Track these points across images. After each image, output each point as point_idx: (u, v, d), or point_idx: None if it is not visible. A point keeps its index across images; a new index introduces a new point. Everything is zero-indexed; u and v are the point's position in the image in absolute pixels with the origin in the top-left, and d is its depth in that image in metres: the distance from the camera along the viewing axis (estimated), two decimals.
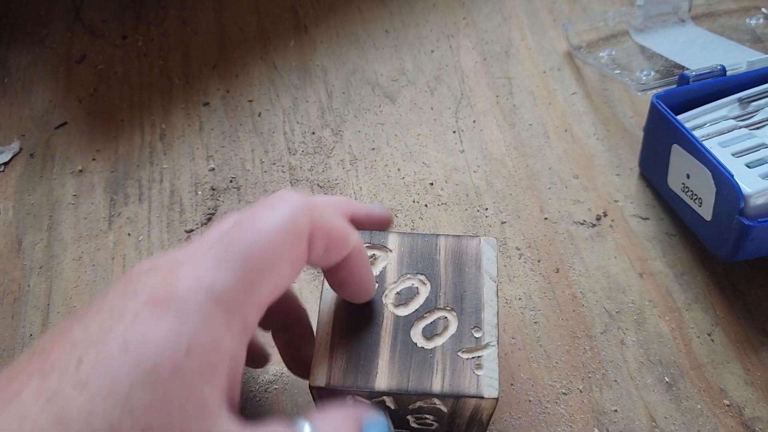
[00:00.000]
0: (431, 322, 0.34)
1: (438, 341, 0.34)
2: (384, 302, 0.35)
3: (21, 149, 0.55)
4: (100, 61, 0.60)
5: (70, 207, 0.51)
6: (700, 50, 0.56)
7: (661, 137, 0.47)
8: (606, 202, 0.50)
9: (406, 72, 0.58)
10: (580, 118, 0.55)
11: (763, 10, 0.60)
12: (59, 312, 0.47)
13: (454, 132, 0.54)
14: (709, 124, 0.47)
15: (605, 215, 0.50)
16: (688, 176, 0.45)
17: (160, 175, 0.53)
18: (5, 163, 0.54)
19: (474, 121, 0.55)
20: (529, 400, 0.42)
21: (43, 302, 0.47)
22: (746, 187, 0.41)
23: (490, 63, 0.59)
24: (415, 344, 0.33)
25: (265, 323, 0.37)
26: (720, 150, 0.45)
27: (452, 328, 0.34)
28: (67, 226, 0.51)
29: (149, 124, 0.56)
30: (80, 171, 0.53)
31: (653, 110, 0.48)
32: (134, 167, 0.53)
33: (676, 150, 0.46)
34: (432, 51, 0.60)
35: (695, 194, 0.45)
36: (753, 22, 0.59)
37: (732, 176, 0.41)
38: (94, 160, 0.54)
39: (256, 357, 0.39)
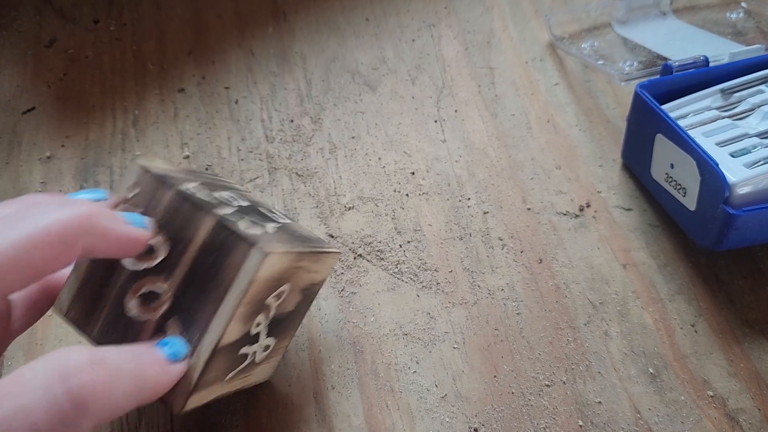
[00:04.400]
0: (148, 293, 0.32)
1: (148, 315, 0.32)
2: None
3: None
4: (70, 45, 0.58)
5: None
6: (682, 42, 0.55)
7: (645, 127, 0.47)
8: (589, 193, 0.50)
9: (386, 60, 0.57)
10: (562, 109, 0.54)
11: (743, 4, 0.60)
12: None
13: (435, 121, 0.54)
14: (693, 114, 0.47)
15: (588, 206, 0.49)
16: (672, 166, 0.45)
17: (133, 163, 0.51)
18: None
19: (456, 111, 0.54)
20: (512, 392, 0.41)
21: None
22: (731, 176, 0.40)
23: (472, 53, 0.58)
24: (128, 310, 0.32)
25: None
26: (704, 140, 0.44)
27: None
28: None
29: (122, 110, 0.54)
30: (48, 157, 0.51)
31: (637, 100, 0.47)
32: (105, 154, 0.52)
33: (660, 140, 0.45)
34: (413, 40, 0.59)
35: (679, 184, 0.45)
36: (733, 16, 0.59)
37: (717, 165, 0.41)
38: (63, 146, 0.52)
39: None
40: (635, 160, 0.49)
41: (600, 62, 0.55)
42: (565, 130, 0.53)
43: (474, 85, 0.56)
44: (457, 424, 0.40)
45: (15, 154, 0.52)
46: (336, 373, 0.42)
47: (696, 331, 0.43)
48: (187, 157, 0.51)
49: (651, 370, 0.42)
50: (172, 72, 0.56)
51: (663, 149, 0.45)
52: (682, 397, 0.41)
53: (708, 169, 0.41)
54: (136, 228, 0.31)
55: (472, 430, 0.40)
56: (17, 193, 0.50)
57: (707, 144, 0.44)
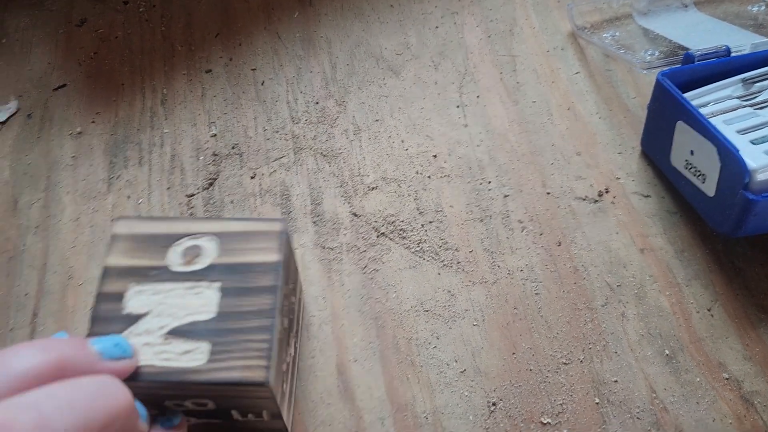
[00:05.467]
0: None
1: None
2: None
3: (18, 109, 0.54)
4: (100, 25, 0.60)
5: (68, 168, 0.51)
6: (703, 33, 0.56)
7: (666, 114, 0.47)
8: (608, 179, 0.50)
9: (410, 46, 0.58)
10: (582, 97, 0.55)
11: None
12: (56, 272, 0.46)
13: (457, 106, 0.54)
14: (714, 103, 0.47)
15: (607, 192, 0.50)
16: (691, 153, 0.46)
17: (161, 140, 0.52)
18: (2, 123, 0.53)
19: (478, 97, 0.55)
20: (530, 369, 0.42)
21: (40, 262, 0.46)
22: (751, 162, 0.41)
23: (495, 41, 0.59)
24: None
25: None
26: (725, 127, 0.45)
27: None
28: (65, 187, 0.50)
29: (150, 89, 0.55)
30: (79, 133, 0.53)
31: (658, 87, 0.48)
32: (134, 131, 0.53)
33: (681, 127, 0.46)
34: (436, 27, 0.60)
35: (699, 171, 0.45)
36: (755, 9, 0.60)
37: (737, 151, 0.41)
38: (93, 122, 0.53)
39: None
40: (655, 147, 0.50)
41: (621, 51, 0.56)
42: (585, 117, 0.54)
43: (496, 72, 0.57)
44: (476, 398, 0.41)
45: (46, 129, 0.53)
46: (358, 347, 0.43)
47: (712, 316, 0.44)
48: (214, 135, 0.52)
49: (667, 352, 0.43)
50: (200, 53, 0.57)
51: (683, 136, 0.46)
52: (698, 379, 0.42)
53: (728, 154, 0.42)
54: (112, 362, 0.30)
55: (491, 404, 0.41)
56: (49, 166, 0.51)
57: (728, 131, 0.44)
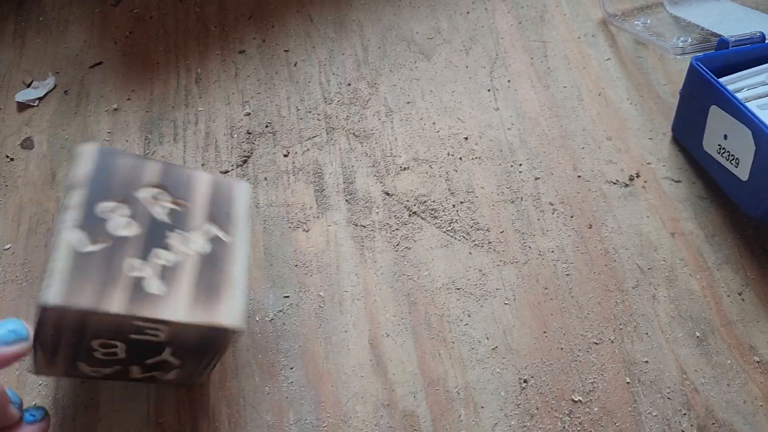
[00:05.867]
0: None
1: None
2: None
3: (56, 85, 0.55)
4: (135, 5, 0.60)
5: (104, 143, 0.52)
6: (735, 21, 0.56)
7: (699, 99, 0.47)
8: (639, 164, 0.51)
9: (441, 31, 0.59)
10: (613, 83, 0.55)
11: None
12: None
13: (488, 90, 0.55)
14: (747, 88, 0.47)
15: (638, 176, 0.50)
16: (725, 137, 0.46)
17: (196, 118, 0.53)
18: (40, 99, 0.54)
19: (509, 81, 0.55)
20: (561, 348, 0.43)
21: None
22: None
23: (525, 26, 0.59)
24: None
25: None
26: (759, 112, 0.45)
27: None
28: None
29: (185, 68, 0.56)
30: (115, 109, 0.53)
31: (692, 72, 0.48)
32: (169, 108, 0.53)
33: (715, 111, 0.46)
34: (468, 12, 0.60)
35: (732, 155, 0.45)
36: None
37: None
38: (128, 99, 0.54)
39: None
40: (686, 132, 0.50)
41: (654, 37, 0.56)
42: (615, 103, 0.54)
43: (527, 57, 0.57)
44: (507, 375, 0.41)
45: (83, 105, 0.54)
46: (391, 322, 0.43)
47: (743, 300, 0.44)
48: (248, 114, 0.53)
49: (698, 334, 0.43)
50: (233, 34, 0.58)
51: (717, 121, 0.46)
52: (729, 361, 0.42)
53: (764, 137, 0.42)
54: (7, 347, 0.32)
55: (522, 381, 0.41)
56: (86, 141, 0.52)
57: (763, 116, 0.44)
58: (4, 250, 0.46)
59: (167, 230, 0.35)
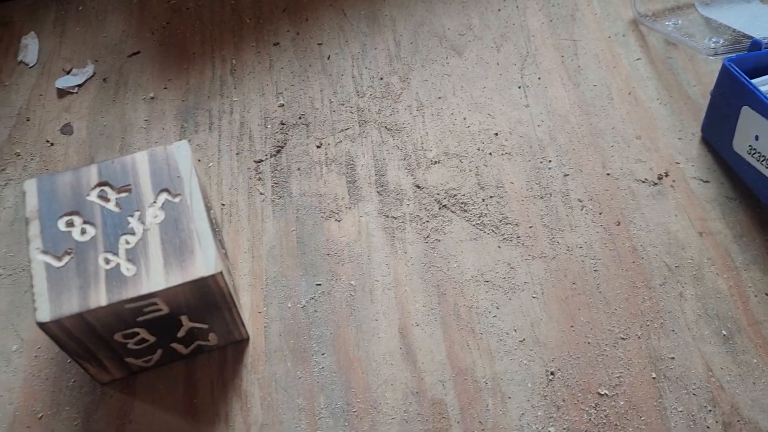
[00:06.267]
0: None
1: None
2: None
3: (94, 73, 0.56)
4: None
5: (141, 131, 0.53)
6: (767, 24, 0.56)
7: (730, 100, 0.48)
8: (667, 164, 0.51)
9: (472, 27, 0.59)
10: (643, 83, 0.56)
11: None
12: None
13: (519, 87, 0.55)
14: None
15: (666, 175, 0.50)
16: (756, 138, 0.46)
17: (230, 108, 0.54)
18: (79, 85, 0.55)
19: (539, 79, 0.56)
20: (588, 342, 0.43)
21: None
22: None
23: (556, 25, 0.59)
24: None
25: None
26: None
27: None
28: (139, 149, 0.52)
29: (220, 59, 0.57)
30: (152, 98, 0.55)
31: (724, 73, 0.48)
32: (205, 98, 0.55)
33: (746, 112, 0.46)
34: (499, 10, 0.61)
35: (763, 155, 0.46)
36: None
37: None
38: (165, 88, 0.55)
39: None
40: (716, 133, 0.50)
41: (685, 37, 0.57)
42: (645, 102, 0.54)
43: (557, 55, 0.57)
44: (535, 366, 0.42)
45: (121, 93, 0.55)
46: (420, 312, 0.44)
47: None
48: (282, 105, 0.54)
49: (724, 333, 0.43)
50: (268, 27, 0.59)
51: (748, 121, 0.46)
52: (755, 360, 0.42)
53: None
54: None
55: (549, 373, 0.42)
56: (123, 128, 0.53)
57: None
58: None
59: (125, 217, 0.38)
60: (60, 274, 0.35)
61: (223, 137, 0.52)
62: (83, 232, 0.37)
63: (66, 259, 0.36)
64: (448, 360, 0.42)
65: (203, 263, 0.36)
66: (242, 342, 0.43)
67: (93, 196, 0.38)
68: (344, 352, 0.43)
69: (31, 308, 0.43)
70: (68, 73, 0.55)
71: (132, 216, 0.37)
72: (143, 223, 0.37)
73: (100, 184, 0.39)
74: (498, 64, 0.57)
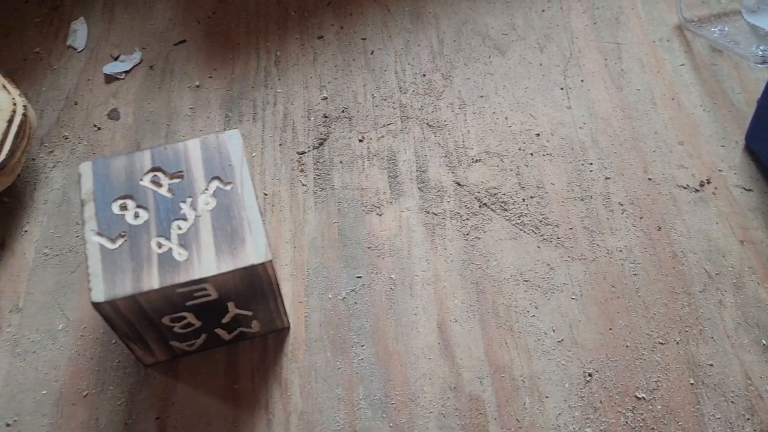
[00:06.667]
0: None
1: None
2: None
3: (142, 60, 0.57)
4: None
5: (186, 118, 0.53)
6: None
7: None
8: (710, 170, 0.51)
9: (516, 27, 0.59)
10: (687, 89, 0.55)
11: None
12: None
13: (561, 89, 0.55)
14: None
15: (708, 182, 0.50)
16: None
17: (274, 99, 0.54)
18: (126, 72, 0.56)
19: (582, 81, 0.56)
20: (626, 346, 0.43)
21: None
22: None
23: (600, 27, 0.59)
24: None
25: None
26: None
27: None
28: (185, 136, 0.52)
29: (265, 50, 0.57)
30: (197, 86, 0.55)
31: None
32: (249, 88, 0.55)
33: None
34: (543, 10, 0.61)
35: None
36: None
37: None
38: (210, 77, 0.56)
39: None
40: (762, 141, 0.50)
41: (732, 44, 0.56)
42: (688, 108, 0.54)
43: (601, 58, 0.57)
44: (572, 367, 0.42)
45: (167, 81, 0.55)
46: (459, 308, 0.45)
47: None
48: (325, 98, 0.54)
49: (764, 342, 0.43)
50: (312, 20, 0.59)
51: None
52: None
53: None
54: None
55: (587, 374, 0.42)
56: (168, 116, 0.54)
57: None
58: None
59: (177, 203, 0.39)
60: (114, 256, 0.36)
61: (266, 128, 0.53)
62: (136, 216, 0.37)
63: (120, 241, 0.37)
64: (486, 357, 0.43)
65: (254, 251, 0.36)
66: (283, 330, 0.43)
67: (146, 181, 0.39)
68: (383, 345, 0.43)
69: (77, 288, 0.45)
70: (116, 59, 0.56)
71: (184, 202, 0.38)
72: (195, 209, 0.38)
73: (153, 170, 0.39)
74: (541, 64, 0.57)
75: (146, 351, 0.40)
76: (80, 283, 0.45)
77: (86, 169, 0.39)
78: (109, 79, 0.56)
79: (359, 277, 0.46)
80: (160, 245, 0.36)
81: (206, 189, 0.39)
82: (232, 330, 0.41)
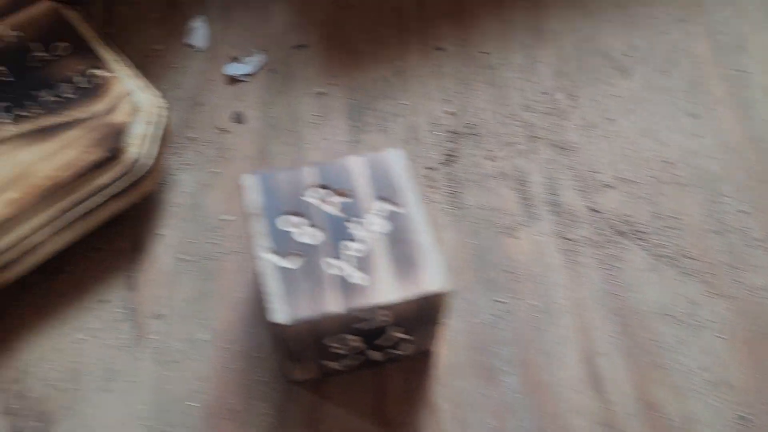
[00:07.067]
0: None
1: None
2: None
3: (266, 62, 0.56)
4: None
5: (312, 126, 0.52)
6: None
7: None
8: None
9: (638, 49, 0.58)
10: None
11: None
12: None
13: (690, 116, 0.54)
14: None
15: None
16: None
17: (397, 110, 0.53)
18: (249, 75, 0.55)
19: (709, 108, 0.55)
20: None
21: None
22: None
23: (725, 53, 0.58)
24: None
25: None
26: None
27: None
28: (311, 144, 0.52)
29: (384, 59, 0.56)
30: (319, 93, 0.54)
31: None
32: (371, 98, 0.54)
33: None
34: (665, 33, 0.59)
35: None
36: None
37: None
38: (330, 84, 0.55)
39: None
40: None
41: None
42: None
43: (726, 85, 0.56)
44: (725, 409, 0.41)
45: (290, 86, 0.54)
46: (603, 340, 0.44)
47: None
48: (451, 113, 0.53)
49: None
50: (431, 30, 0.58)
51: None
52: None
53: None
54: None
55: (740, 418, 0.41)
56: (292, 121, 0.53)
57: None
58: (224, 220, 0.48)
59: (345, 222, 0.37)
60: (292, 276, 0.35)
61: (390, 139, 0.52)
62: (308, 234, 0.36)
63: (295, 260, 0.35)
64: (635, 392, 0.42)
65: (434, 278, 0.35)
66: (427, 353, 0.42)
67: (312, 198, 0.38)
68: (530, 375, 0.42)
69: (217, 298, 0.44)
70: (235, 60, 0.55)
71: (353, 222, 0.37)
72: (368, 231, 0.36)
73: (321, 186, 0.38)
74: (666, 89, 0.56)
75: (299, 369, 0.39)
76: (219, 293, 0.44)
77: (250, 181, 0.38)
78: (231, 80, 0.55)
79: (499, 301, 0.45)
80: (336, 267, 0.35)
81: (375, 210, 0.37)
82: (386, 352, 0.40)
